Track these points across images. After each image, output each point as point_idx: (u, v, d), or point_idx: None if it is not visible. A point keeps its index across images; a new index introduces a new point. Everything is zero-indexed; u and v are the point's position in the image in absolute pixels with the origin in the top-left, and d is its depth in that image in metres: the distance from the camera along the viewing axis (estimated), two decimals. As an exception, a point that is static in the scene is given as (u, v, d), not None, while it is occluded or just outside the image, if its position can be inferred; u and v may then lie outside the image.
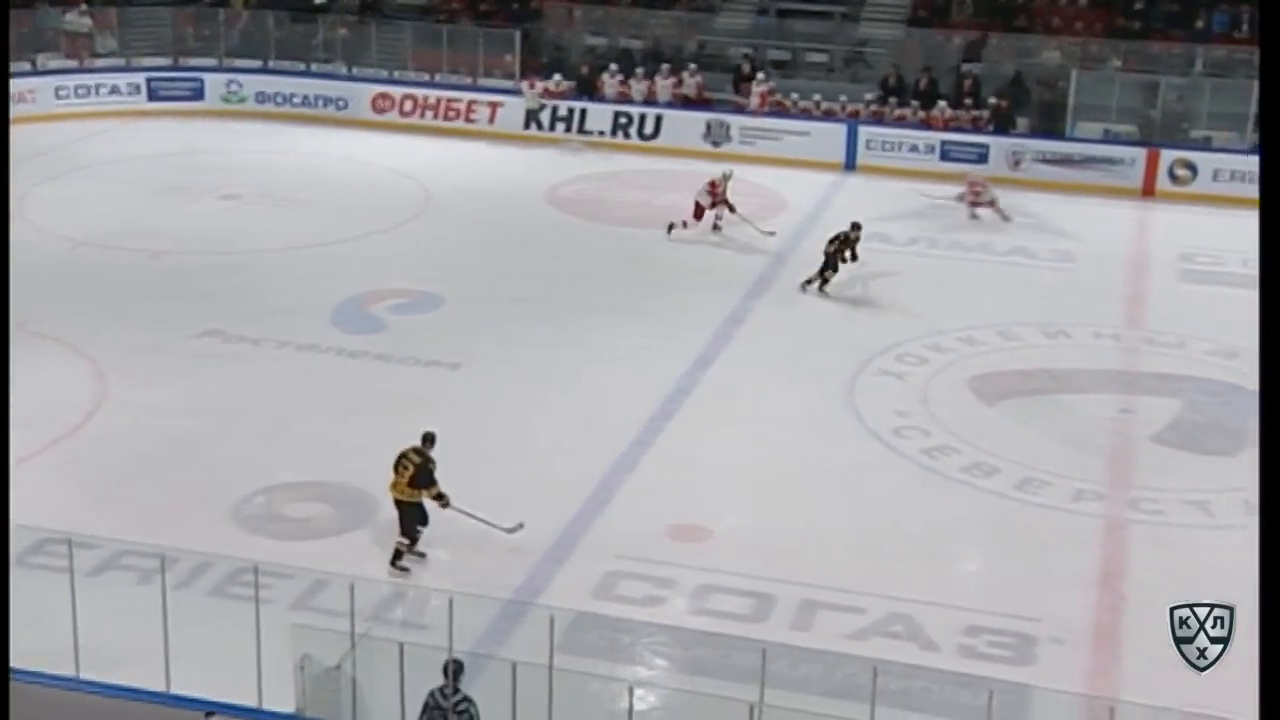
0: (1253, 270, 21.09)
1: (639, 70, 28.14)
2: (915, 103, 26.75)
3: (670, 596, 11.81)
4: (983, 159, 25.68)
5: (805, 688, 10.31)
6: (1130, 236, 22.72)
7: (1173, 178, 24.98)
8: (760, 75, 27.50)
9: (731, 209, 21.59)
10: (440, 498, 12.06)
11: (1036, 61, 27.79)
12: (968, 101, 26.74)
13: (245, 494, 13.17)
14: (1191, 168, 24.91)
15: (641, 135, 27.50)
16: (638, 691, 9.11)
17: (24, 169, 23.69)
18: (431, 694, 8.78)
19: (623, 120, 27.62)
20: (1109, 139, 26.02)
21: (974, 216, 23.37)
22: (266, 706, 9.09)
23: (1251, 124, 25.53)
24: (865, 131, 26.35)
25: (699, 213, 21.47)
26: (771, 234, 21.46)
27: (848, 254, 19.36)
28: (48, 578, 10.52)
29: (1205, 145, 25.68)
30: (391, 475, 12.16)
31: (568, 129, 27.75)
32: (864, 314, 18.60)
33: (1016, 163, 25.62)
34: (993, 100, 26.48)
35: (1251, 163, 24.77)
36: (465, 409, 15.33)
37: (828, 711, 8.86)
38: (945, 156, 25.94)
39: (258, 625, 9.23)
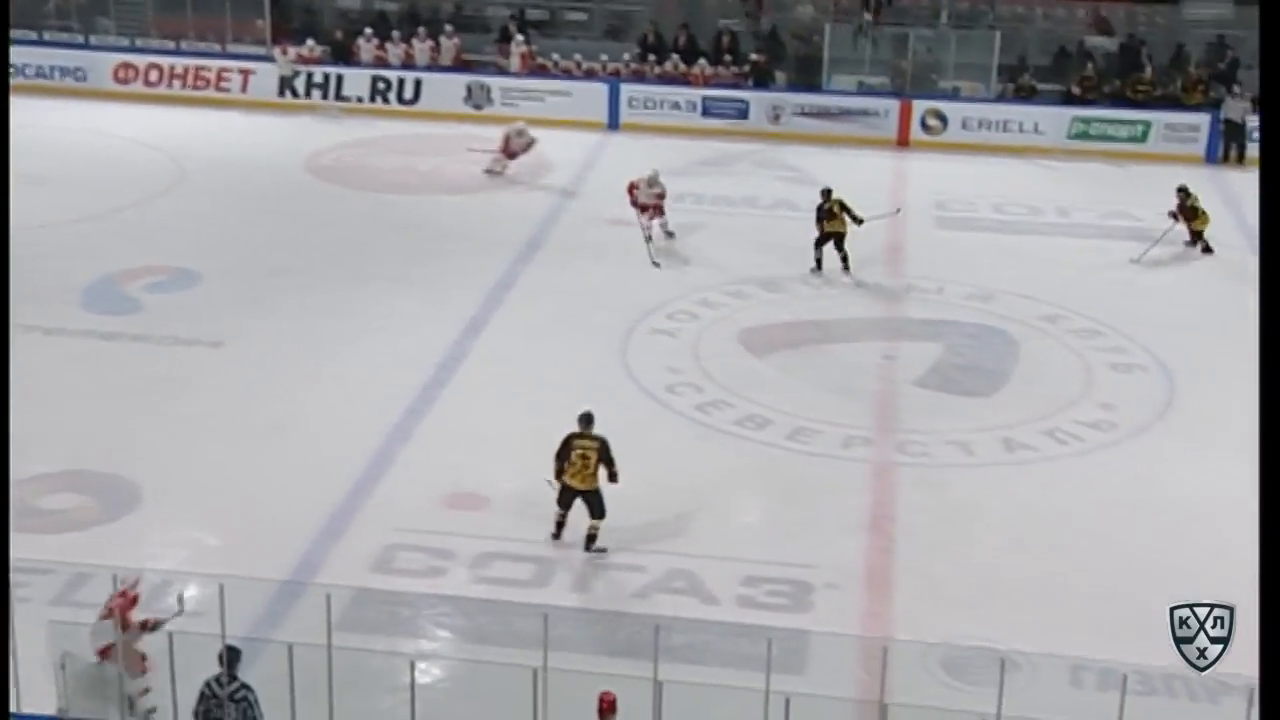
0: (1004, 215, 22.32)
1: (395, 34, 27.65)
2: (675, 57, 27.04)
3: (450, 567, 11.73)
4: (743, 114, 26.15)
5: (590, 649, 10.39)
6: (887, 186, 23.40)
7: (925, 127, 25.86)
8: (520, 37, 27.35)
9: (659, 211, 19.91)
10: (615, 476, 11.97)
11: (791, 16, 28.41)
12: (727, 58, 27.15)
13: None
14: (942, 117, 25.84)
15: (401, 100, 27.06)
16: (420, 665, 9.02)
17: None
18: (207, 684, 8.54)
19: (381, 85, 27.12)
20: (863, 91, 26.77)
21: (497, 170, 22.74)
22: (25, 710, 8.67)
23: (995, 75, 26.65)
24: (627, 90, 26.50)
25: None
26: (670, 232, 19.82)
27: (847, 218, 18.72)
28: None
29: (954, 95, 26.66)
30: (564, 467, 12.01)
31: (324, 95, 27.12)
32: (634, 273, 18.70)
33: (776, 116, 26.15)
34: (752, 56, 26.94)
35: (996, 111, 25.89)
36: (230, 388, 14.90)
37: (613, 671, 8.96)
38: (707, 112, 26.31)
39: (7, 623, 8.75)
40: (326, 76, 27.05)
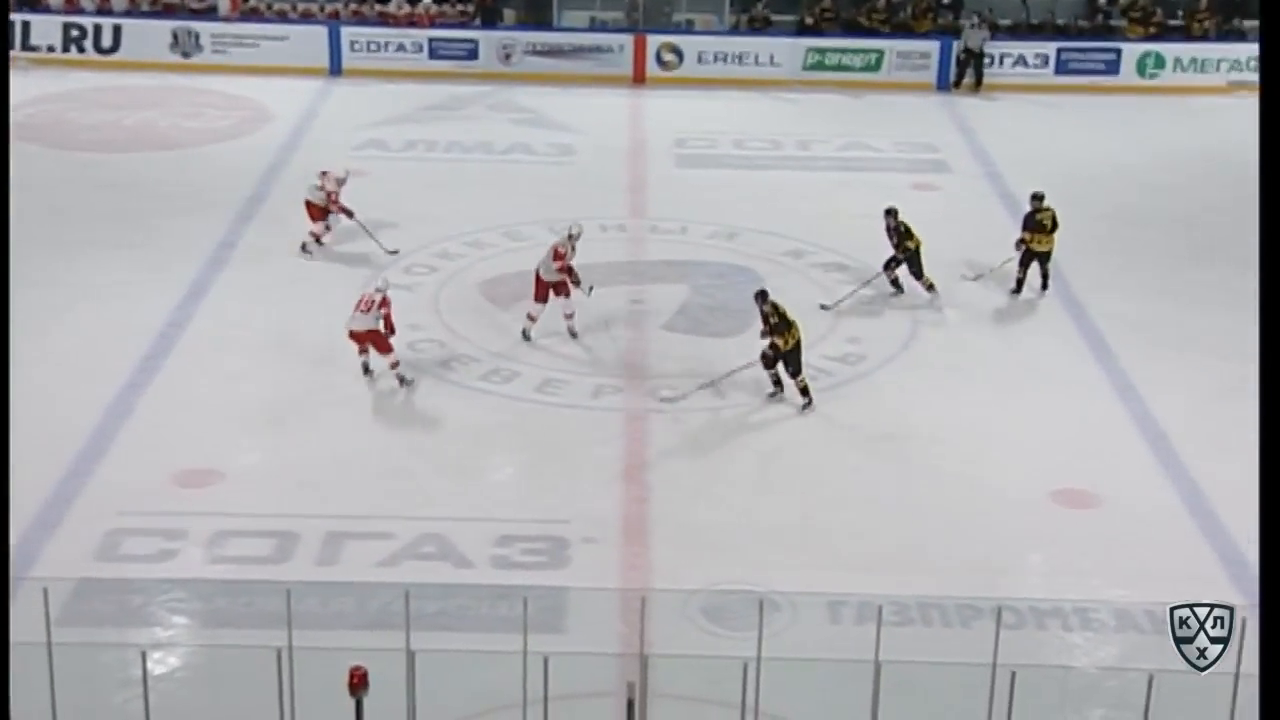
0: (744, 151, 22.73)
1: (88, -25, 26.42)
2: (398, -1, 26.65)
3: (183, 548, 11.41)
4: (473, 55, 25.94)
5: (338, 624, 10.29)
6: (626, 125, 23.63)
7: (660, 63, 26.14)
8: (228, -23, 26.49)
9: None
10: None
11: (516, -50, 28.28)
12: (452, -5, 26.88)
13: None
14: (677, 52, 26.15)
15: (99, 49, 25.85)
16: (154, 654, 8.78)
17: None
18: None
19: (74, 33, 25.84)
20: (596, 27, 26.87)
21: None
22: None
23: (728, 6, 27.11)
24: (349, 33, 25.98)
25: None
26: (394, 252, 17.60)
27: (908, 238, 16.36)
28: None
29: (688, 29, 27.02)
30: (780, 330, 13.55)
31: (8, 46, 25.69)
32: (366, 225, 18.38)
33: (507, 56, 26.02)
34: (477, -7, 26.75)
35: (732, 43, 26.35)
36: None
37: (363, 645, 8.88)
38: (434, 55, 26.01)
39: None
40: (10, 24, 25.64)
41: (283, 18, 26.45)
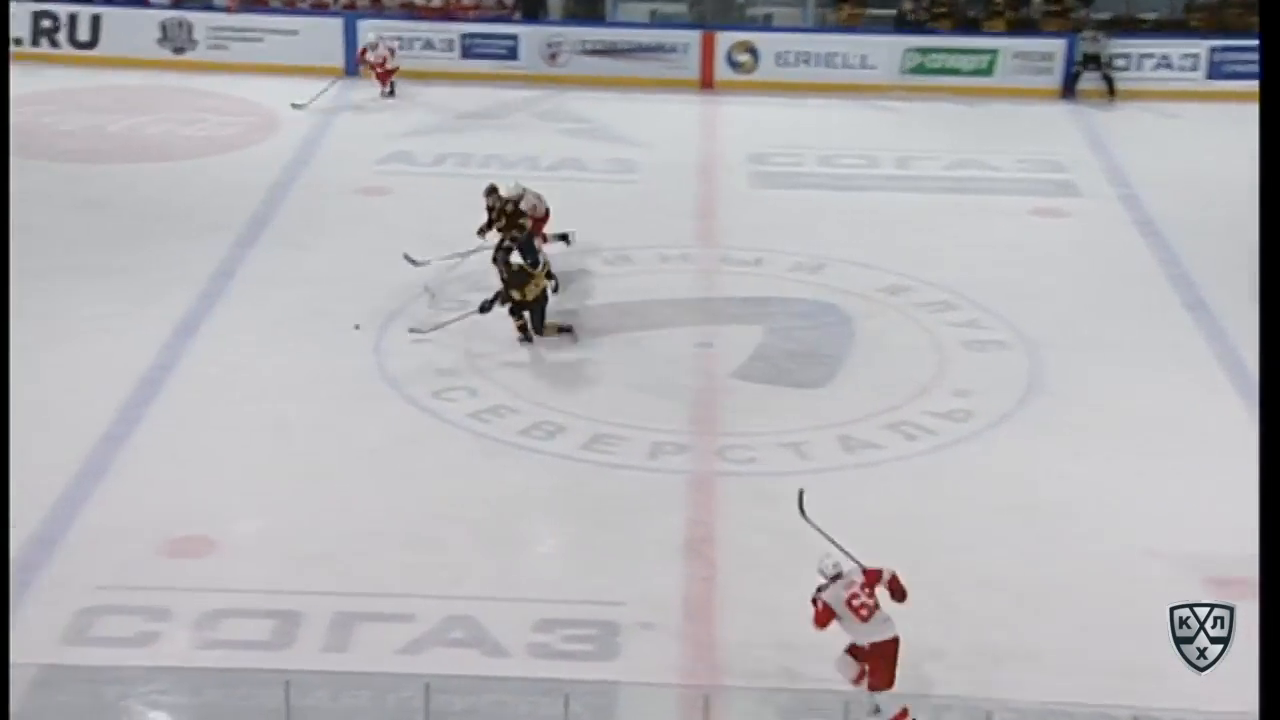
0: (833, 169, 22.74)
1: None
2: (425, -14, 26.98)
3: (168, 630, 11.41)
4: (513, 53, 26.11)
5: (350, 722, 10.26)
6: (692, 137, 23.69)
7: (733, 65, 26.21)
8: (229, -39, 26.92)
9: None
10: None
11: (565, -70, 28.54)
12: (490, -16, 27.16)
13: None
14: (753, 52, 26.22)
15: (75, 42, 26.28)
16: (133, 759, 8.77)
17: None
18: None
19: (46, 23, 26.30)
20: (658, 23, 27.01)
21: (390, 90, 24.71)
22: None
23: (813, -1, 27.24)
24: (367, 27, 26.20)
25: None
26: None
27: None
28: None
29: (766, 25, 27.10)
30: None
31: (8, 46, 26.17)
32: (385, 254, 18.48)
33: (554, 56, 26.19)
34: (520, -20, 27.00)
35: (817, 42, 26.38)
36: None
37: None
38: (469, 53, 26.21)
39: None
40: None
41: (292, 8, 26.76)
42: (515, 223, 17.34)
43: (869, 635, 10.21)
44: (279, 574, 12.03)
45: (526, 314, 16.10)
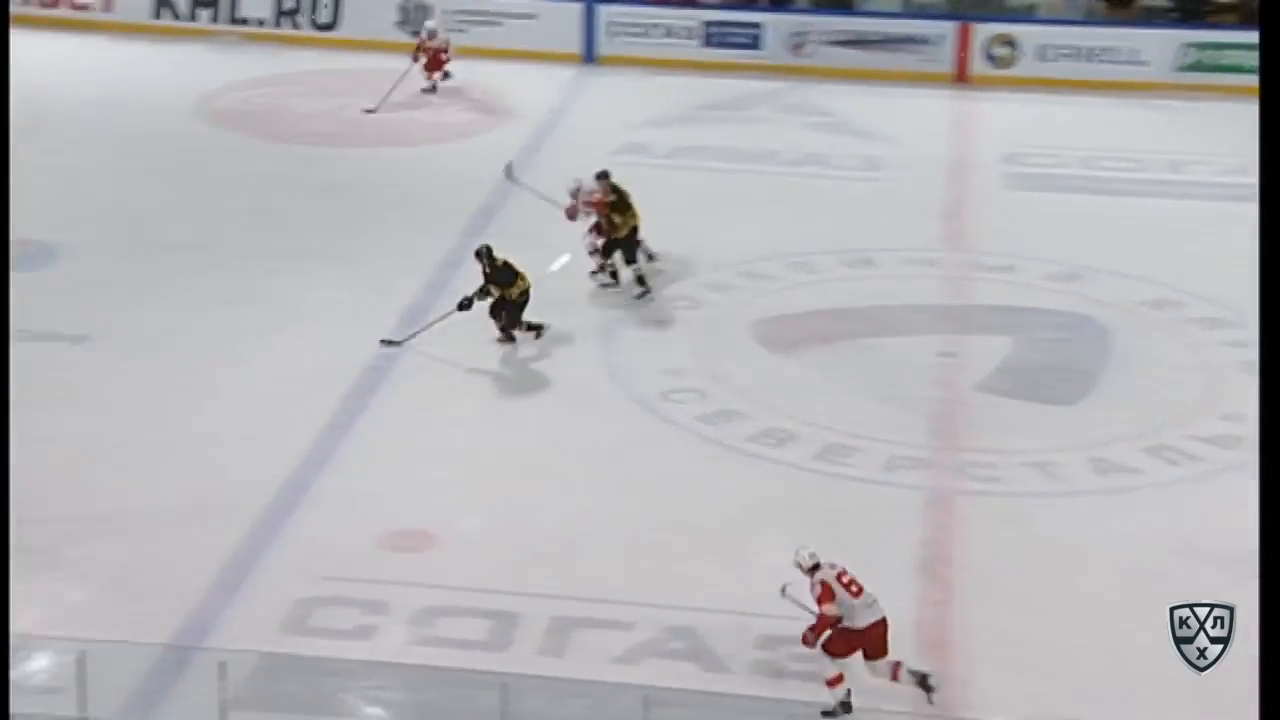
0: (1095, 171, 22.28)
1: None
2: (667, -26, 27.10)
3: (386, 624, 11.69)
4: (755, 43, 26.14)
5: (566, 730, 10.41)
6: (944, 134, 23.46)
7: (991, 58, 25.89)
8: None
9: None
10: None
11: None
12: (736, -31, 27.22)
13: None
14: (1013, 45, 25.86)
15: (316, 24, 27.09)
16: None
17: None
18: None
19: (288, 4, 27.12)
20: (911, 12, 26.79)
21: (432, 86, 24.39)
22: None
23: (1081, -13, 26.72)
24: (607, 12, 26.49)
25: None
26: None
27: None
28: None
29: (1028, 16, 26.69)
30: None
31: (215, 18, 27.10)
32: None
33: (799, 46, 26.15)
34: (768, -33, 27.02)
35: (1084, 35, 25.88)
36: (99, 397, 14.89)
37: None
38: (710, 41, 26.29)
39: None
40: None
41: (530, -9, 27.16)
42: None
43: (863, 616, 10.67)
44: (498, 573, 12.24)
45: (504, 313, 16.08)
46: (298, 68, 25.69)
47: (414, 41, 24.58)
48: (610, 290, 17.41)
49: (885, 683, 10.74)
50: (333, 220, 19.35)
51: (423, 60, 24.20)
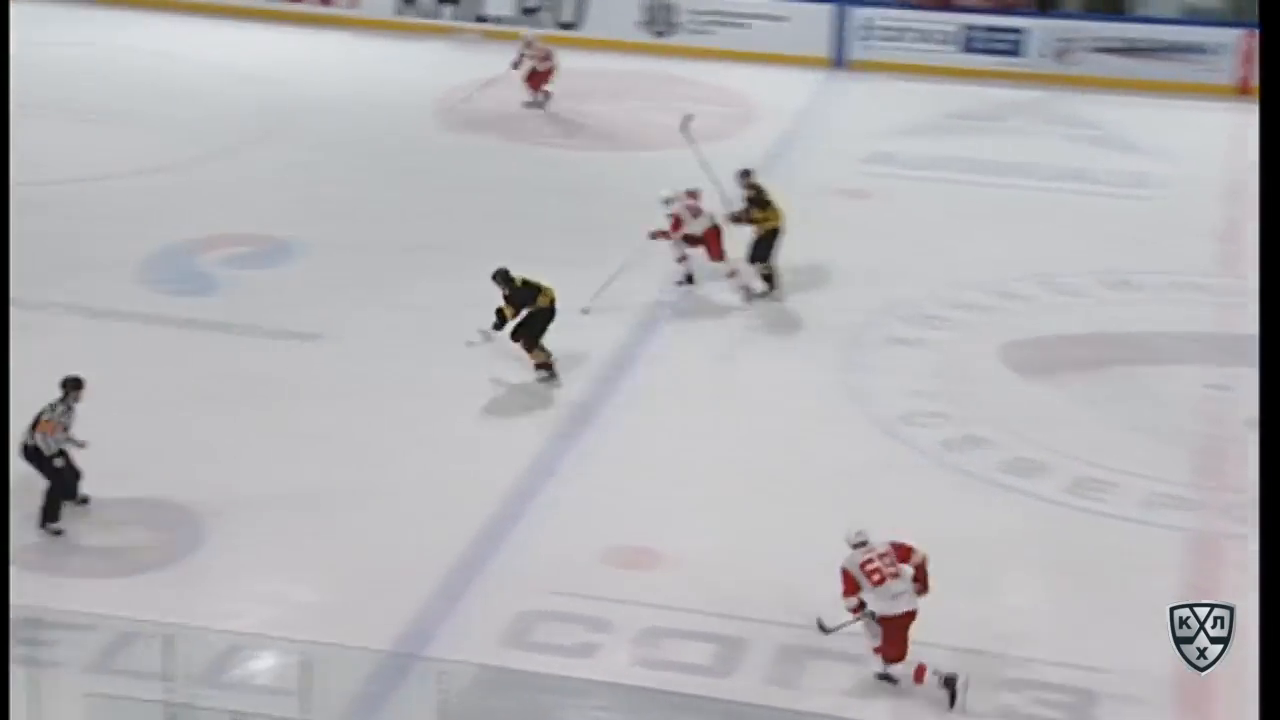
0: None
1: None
2: (928, -26, 26.89)
3: (608, 643, 11.74)
4: (1017, 49, 25.77)
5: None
6: (1223, 150, 22.82)
7: (1276, 69, 25.12)
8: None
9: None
10: None
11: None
12: (1001, -28, 26.90)
13: (20, 516, 12.93)
14: (1304, 55, 25.06)
15: (559, 23, 27.38)
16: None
17: None
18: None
19: (532, 2, 27.50)
20: (1190, 19, 26.17)
21: (535, 102, 23.89)
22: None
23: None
24: (861, 15, 26.37)
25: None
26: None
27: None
28: None
29: (1320, 25, 25.87)
30: None
31: (459, 16, 27.56)
32: (864, 261, 18.55)
33: (1064, 53, 25.71)
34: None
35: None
36: (330, 396, 15.20)
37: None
38: (970, 47, 26.00)
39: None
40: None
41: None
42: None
43: (883, 605, 11.09)
44: (726, 596, 12.19)
45: (527, 329, 15.53)
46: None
47: (654, 42, 24.64)
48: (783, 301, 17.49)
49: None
50: (571, 225, 19.50)
51: (524, 70, 23.83)
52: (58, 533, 12.79)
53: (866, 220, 19.53)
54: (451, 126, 23.29)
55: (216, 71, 25.13)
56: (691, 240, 17.54)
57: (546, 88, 23.94)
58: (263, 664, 11.29)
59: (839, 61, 26.29)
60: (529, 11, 27.47)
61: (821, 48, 26.34)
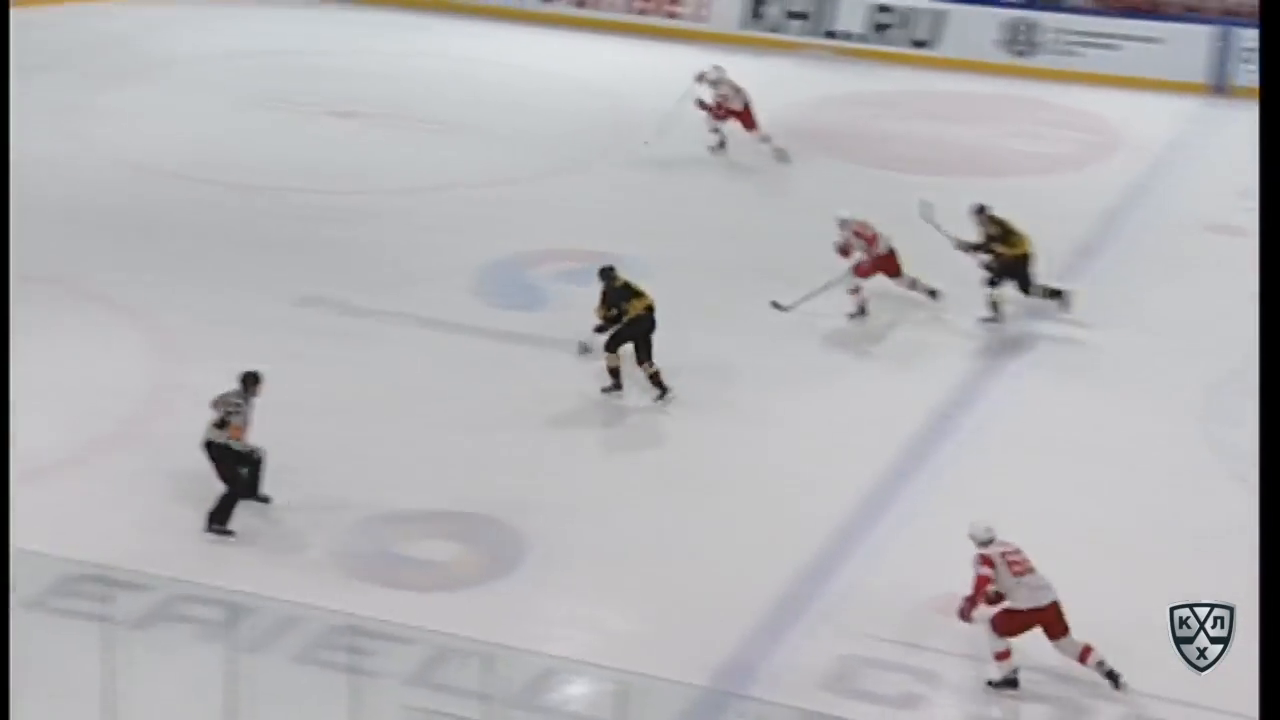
0: None
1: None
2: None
3: (935, 695, 11.60)
4: None
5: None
6: None
7: None
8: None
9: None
10: None
11: None
12: None
13: (350, 524, 13.33)
14: None
15: (913, 40, 27.16)
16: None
17: (75, 68, 24.55)
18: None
19: (885, 19, 27.30)
20: None
21: (718, 141, 22.47)
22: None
23: None
24: (1245, 36, 25.47)
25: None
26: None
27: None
28: (77, 628, 10.81)
29: None
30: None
31: (807, 31, 27.55)
32: (1231, 301, 17.92)
33: None
34: None
35: None
36: (657, 419, 15.37)
37: None
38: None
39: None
40: (810, 3, 27.53)
41: (1156, 12, 26.36)
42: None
43: (1028, 597, 11.36)
44: (1063, 658, 11.85)
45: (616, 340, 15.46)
46: (892, 86, 25.82)
47: (1013, 63, 24.21)
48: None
49: (1071, 663, 11.46)
50: (919, 249, 19.15)
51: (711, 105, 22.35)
52: (227, 533, 12.95)
53: (1238, 258, 18.85)
54: (797, 144, 23.23)
55: (555, 82, 25.65)
56: (863, 270, 17.36)
57: (719, 129, 22.49)
58: (578, 690, 11.41)
59: (1219, 87, 25.53)
60: (881, 29, 27.34)
61: (1199, 72, 25.63)
